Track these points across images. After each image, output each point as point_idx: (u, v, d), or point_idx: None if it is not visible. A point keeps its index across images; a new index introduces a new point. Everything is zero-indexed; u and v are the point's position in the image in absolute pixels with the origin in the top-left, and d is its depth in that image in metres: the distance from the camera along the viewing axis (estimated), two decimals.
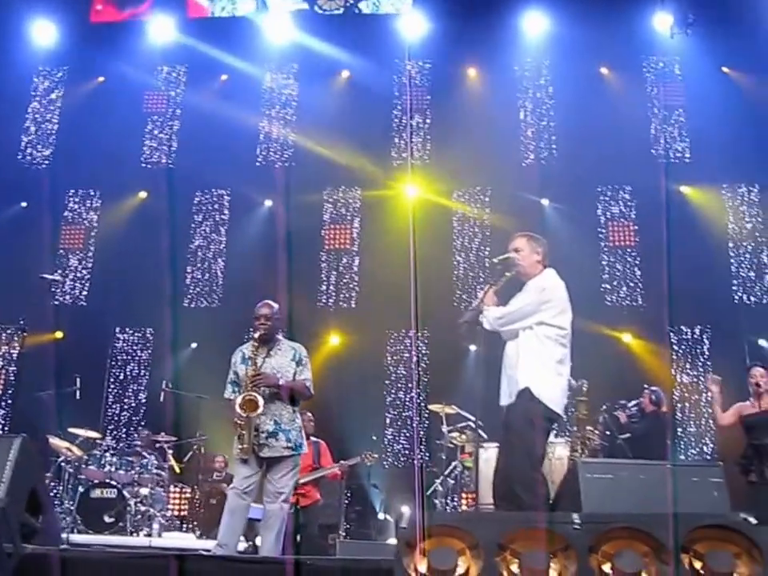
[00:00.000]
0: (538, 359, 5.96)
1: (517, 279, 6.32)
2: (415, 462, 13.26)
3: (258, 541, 7.64)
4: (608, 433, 10.09)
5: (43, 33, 15.06)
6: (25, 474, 4.72)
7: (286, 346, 6.95)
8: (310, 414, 10.39)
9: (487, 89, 14.60)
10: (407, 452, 13.57)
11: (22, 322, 14.11)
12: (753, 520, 3.68)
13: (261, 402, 6.47)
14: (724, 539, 3.63)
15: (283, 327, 7.21)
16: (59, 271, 13.85)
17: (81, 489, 10.15)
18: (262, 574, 4.44)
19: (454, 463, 10.37)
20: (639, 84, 14.46)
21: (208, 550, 7.05)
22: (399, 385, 13.77)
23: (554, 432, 8.90)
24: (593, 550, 3.57)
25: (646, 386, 10.83)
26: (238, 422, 6.56)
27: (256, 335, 6.81)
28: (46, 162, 15.26)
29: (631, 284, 13.92)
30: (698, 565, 3.57)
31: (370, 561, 3.98)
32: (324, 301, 14.24)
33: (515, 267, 6.28)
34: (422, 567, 3.60)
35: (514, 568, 3.57)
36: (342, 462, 10.35)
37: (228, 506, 6.61)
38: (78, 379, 11.16)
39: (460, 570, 3.59)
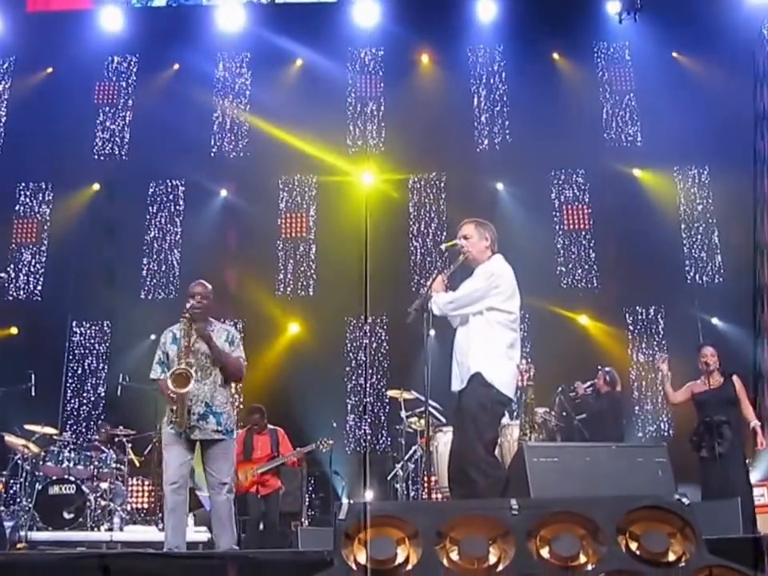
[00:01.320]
0: (488, 344, 6.01)
1: (467, 266, 6.38)
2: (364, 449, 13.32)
3: None
4: (564, 414, 10.21)
5: None
6: None
7: (219, 327, 6.92)
8: (262, 410, 10.41)
9: (441, 75, 14.64)
10: (368, 438, 13.62)
11: None
12: (686, 500, 3.75)
13: (192, 378, 6.36)
14: (659, 519, 3.71)
15: (215, 311, 7.06)
16: (7, 270, 13.73)
17: (38, 486, 10.06)
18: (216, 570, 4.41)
19: (413, 448, 10.44)
20: (591, 69, 14.59)
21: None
22: (359, 371, 13.82)
23: (510, 415, 9.05)
24: (531, 535, 3.63)
25: (600, 366, 10.99)
26: (171, 395, 6.44)
27: (188, 314, 6.69)
28: None
29: (586, 266, 14.05)
30: (633, 546, 3.64)
31: (314, 552, 3.99)
32: (282, 289, 14.21)
33: (464, 254, 6.33)
34: (361, 558, 3.63)
35: (454, 555, 3.61)
36: (298, 449, 10.40)
37: (166, 505, 6.51)
38: (32, 375, 11.03)
39: (399, 558, 3.62)
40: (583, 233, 14.21)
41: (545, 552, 3.60)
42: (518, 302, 6.21)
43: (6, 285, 13.77)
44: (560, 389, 10.32)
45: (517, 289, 6.23)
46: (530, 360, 9.43)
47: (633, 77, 14.59)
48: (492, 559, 3.55)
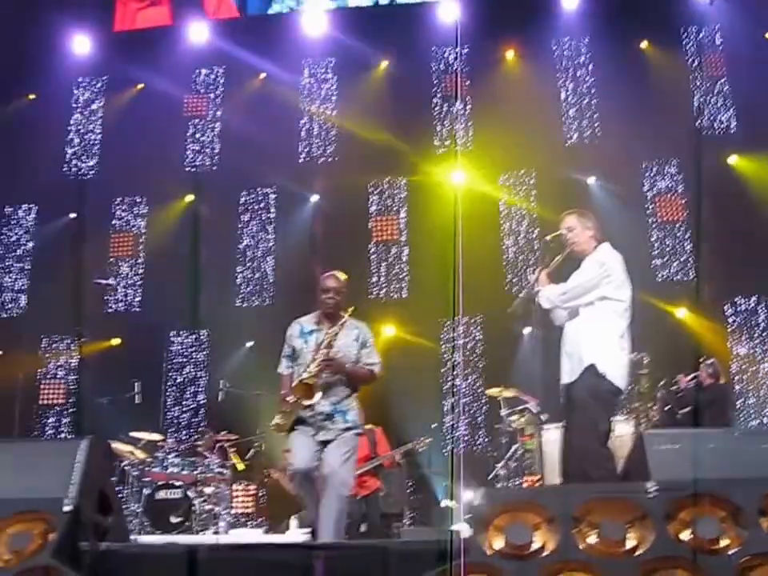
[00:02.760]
0: (601, 335, 5.97)
1: (571, 258, 6.31)
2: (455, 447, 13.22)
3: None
4: (667, 408, 10.02)
5: (79, 45, 15.18)
6: (93, 475, 4.73)
7: (350, 324, 6.44)
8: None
9: (526, 70, 14.46)
10: (467, 438, 13.54)
11: (78, 331, 14.32)
12: None
13: (317, 396, 6.09)
14: None
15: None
16: (112, 277, 14.06)
17: (146, 491, 10.23)
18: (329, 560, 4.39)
19: (514, 446, 10.35)
20: (680, 56, 14.27)
21: (279, 544, 6.94)
22: (455, 372, 13.73)
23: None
24: (670, 518, 3.54)
25: (701, 359, 10.75)
26: (287, 400, 6.20)
27: (321, 311, 6.39)
28: (92, 171, 15.43)
29: (682, 258, 13.75)
30: None
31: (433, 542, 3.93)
32: (375, 293, 14.24)
33: (569, 246, 6.28)
34: (498, 543, 3.59)
35: (591, 539, 3.55)
36: (396, 449, 10.41)
37: (298, 485, 6.26)
38: (136, 384, 11.25)
39: (536, 544, 3.57)
40: (678, 224, 13.90)
41: (685, 535, 3.51)
42: (629, 289, 6.15)
43: (113, 292, 14.04)
44: (662, 383, 10.14)
45: (627, 276, 6.17)
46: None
47: (724, 61, 14.21)
48: (630, 543, 3.48)
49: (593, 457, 5.74)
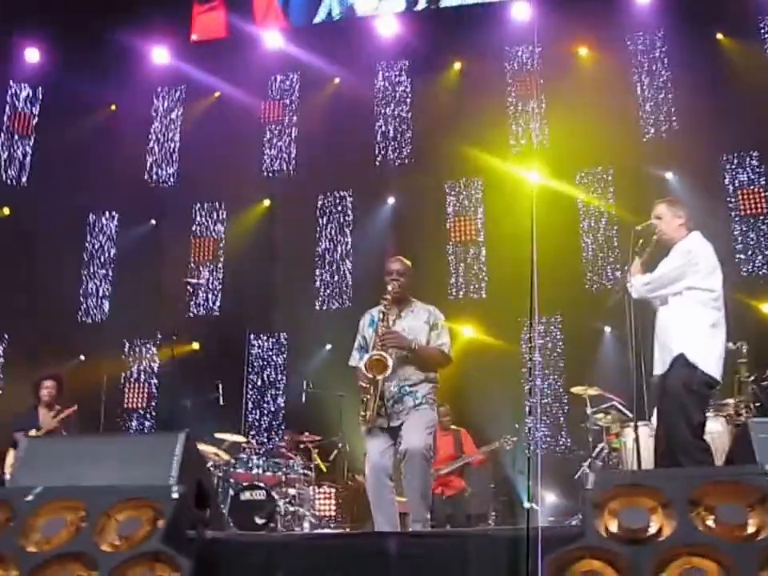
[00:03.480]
0: (690, 324, 5.85)
1: (662, 247, 6.23)
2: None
3: None
4: (757, 405, 9.78)
5: (158, 56, 15.49)
6: (190, 468, 4.78)
7: (420, 307, 6.42)
8: (446, 407, 10.37)
9: (600, 66, 14.22)
10: (548, 439, 13.41)
11: (159, 337, 14.58)
12: None
13: (390, 361, 5.97)
14: None
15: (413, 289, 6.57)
16: (201, 277, 14.27)
17: (231, 492, 10.31)
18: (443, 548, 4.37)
19: (600, 445, 10.20)
20: (758, 46, 13.96)
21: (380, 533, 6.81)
22: (536, 372, 13.62)
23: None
24: None
25: None
26: (363, 384, 6.07)
27: (387, 295, 6.30)
28: (172, 179, 15.70)
29: (766, 252, 13.45)
30: None
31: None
32: (454, 293, 14.18)
33: (659, 234, 6.20)
34: (613, 527, 3.52)
35: (710, 523, 3.45)
36: (482, 447, 10.35)
37: (370, 490, 6.16)
38: (219, 385, 11.35)
39: (652, 529, 3.49)
40: (761, 217, 13.59)
41: None
42: (720, 277, 6.03)
43: (201, 291, 14.24)
44: (752, 378, 9.90)
45: (718, 265, 6.05)
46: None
47: None
48: (751, 528, 3.38)
49: (689, 449, 5.63)
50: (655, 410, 9.42)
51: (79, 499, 4.07)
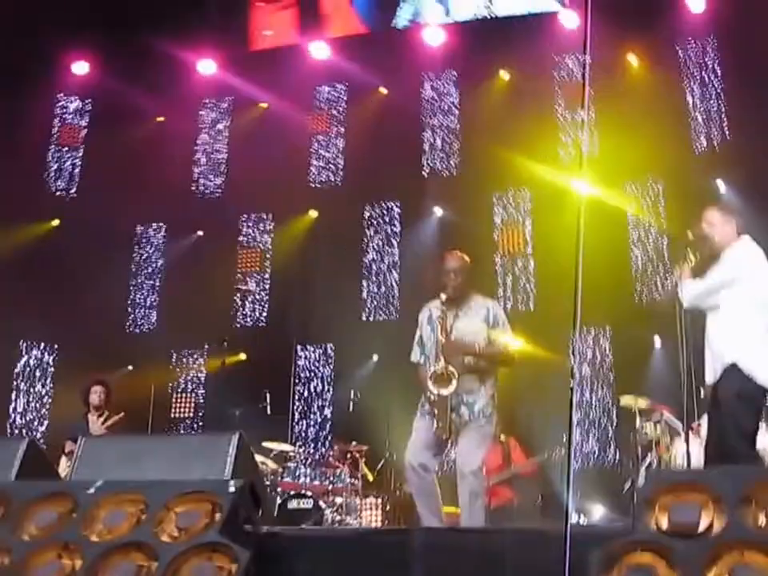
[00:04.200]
0: (742, 332, 5.76)
1: (713, 254, 6.14)
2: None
3: None
4: None
5: (205, 67, 15.58)
6: (243, 468, 4.83)
7: (479, 303, 6.38)
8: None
9: (651, 75, 14.07)
10: (596, 453, 13.24)
11: (206, 347, 14.63)
12: None
13: (455, 380, 5.97)
14: None
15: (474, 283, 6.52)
16: (252, 284, 14.32)
17: (278, 500, 10.29)
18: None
19: (649, 458, 10.05)
20: None
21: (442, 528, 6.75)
22: (584, 384, 13.47)
23: None
24: None
25: None
26: (431, 397, 6.10)
27: (444, 294, 6.28)
28: (219, 190, 15.78)
29: None
30: None
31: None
32: (501, 306, 13.99)
33: (710, 241, 6.12)
34: (663, 523, 3.47)
35: (761, 520, 3.39)
36: (531, 459, 10.28)
37: (413, 488, 6.22)
38: (267, 395, 11.35)
39: (703, 524, 3.43)
40: None
41: None
42: None
43: (253, 298, 14.44)
44: None
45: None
46: None
47: None
48: None
49: (740, 458, 5.52)
50: (705, 418, 9.34)
51: (139, 492, 4.16)
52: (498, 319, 6.36)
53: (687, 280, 6.11)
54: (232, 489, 4.05)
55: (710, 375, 5.92)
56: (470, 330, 6.25)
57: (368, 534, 4.78)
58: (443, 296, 6.31)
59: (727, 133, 13.85)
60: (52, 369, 14.93)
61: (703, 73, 14.17)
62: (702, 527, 3.47)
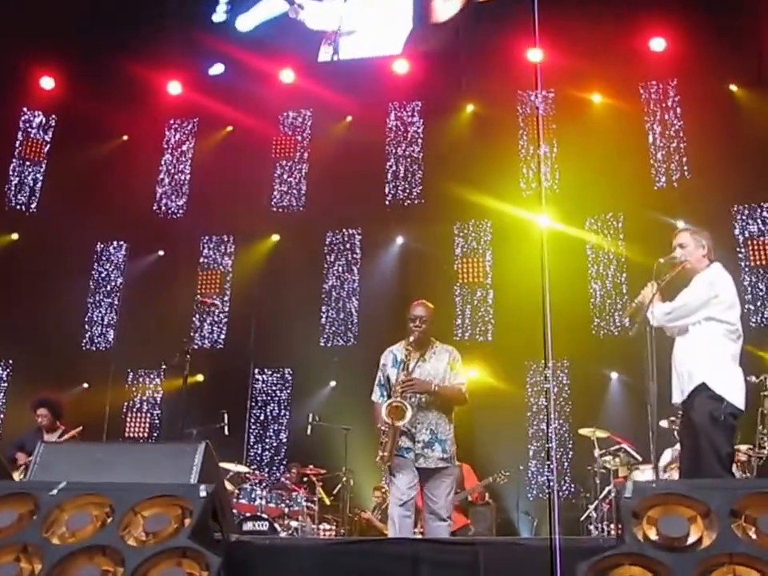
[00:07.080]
0: (712, 354, 5.75)
1: (683, 277, 6.18)
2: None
3: None
4: None
5: (172, 88, 15.61)
6: (209, 477, 4.75)
7: (441, 349, 6.65)
8: None
9: (613, 113, 14.27)
10: (550, 484, 13.27)
11: (164, 368, 14.47)
12: None
13: (409, 411, 6.21)
14: None
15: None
16: (216, 297, 14.21)
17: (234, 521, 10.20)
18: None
19: (607, 488, 10.11)
20: None
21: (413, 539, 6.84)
22: (541, 416, 13.53)
23: None
24: None
25: None
26: (383, 428, 6.31)
27: (410, 338, 6.49)
28: (181, 211, 15.74)
29: None
30: None
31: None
32: (460, 335, 14.09)
33: (681, 264, 6.15)
34: (652, 535, 3.46)
35: (752, 534, 3.40)
36: (477, 483, 10.40)
37: (390, 518, 6.33)
38: (225, 415, 11.27)
39: (692, 538, 3.44)
40: None
41: None
42: (738, 311, 5.95)
43: (216, 312, 14.37)
44: None
45: (737, 299, 6.00)
46: None
47: None
48: None
49: None
50: (667, 451, 9.43)
51: (104, 495, 4.06)
52: (457, 364, 6.63)
53: (658, 302, 6.13)
54: (203, 493, 3.98)
55: (677, 395, 5.91)
56: (437, 372, 6.49)
57: (336, 545, 4.74)
58: (410, 339, 6.53)
59: (686, 170, 14.08)
60: (5, 384, 14.73)
61: (664, 113, 14.42)
62: (691, 540, 3.48)
